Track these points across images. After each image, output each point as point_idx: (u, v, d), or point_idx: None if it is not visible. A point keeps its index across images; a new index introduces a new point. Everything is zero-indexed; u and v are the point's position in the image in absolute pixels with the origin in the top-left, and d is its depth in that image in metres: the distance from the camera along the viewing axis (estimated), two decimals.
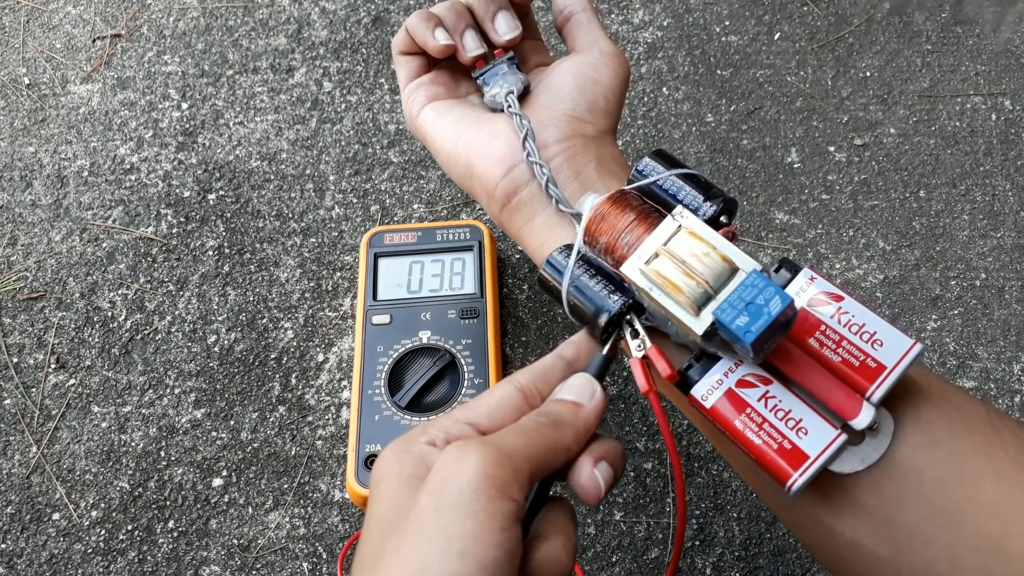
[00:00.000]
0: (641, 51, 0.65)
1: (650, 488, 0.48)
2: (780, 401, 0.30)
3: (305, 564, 0.46)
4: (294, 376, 0.52)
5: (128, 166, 0.61)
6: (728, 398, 0.30)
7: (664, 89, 0.63)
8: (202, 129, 0.63)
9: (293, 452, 0.49)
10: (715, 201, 0.33)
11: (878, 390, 0.28)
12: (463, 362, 0.49)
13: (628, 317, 0.33)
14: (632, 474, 0.48)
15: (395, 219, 0.59)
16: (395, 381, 0.49)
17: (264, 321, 0.54)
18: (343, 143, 0.62)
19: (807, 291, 0.31)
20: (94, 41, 0.68)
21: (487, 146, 0.38)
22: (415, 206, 0.59)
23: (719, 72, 0.64)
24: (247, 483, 0.48)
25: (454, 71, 0.42)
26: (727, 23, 0.67)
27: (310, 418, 0.50)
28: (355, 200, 0.59)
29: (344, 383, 0.52)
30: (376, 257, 0.54)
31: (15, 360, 0.53)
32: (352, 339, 0.53)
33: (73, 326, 0.54)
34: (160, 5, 0.70)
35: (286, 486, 0.48)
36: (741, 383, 0.30)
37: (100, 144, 0.62)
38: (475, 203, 0.59)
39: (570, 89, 0.38)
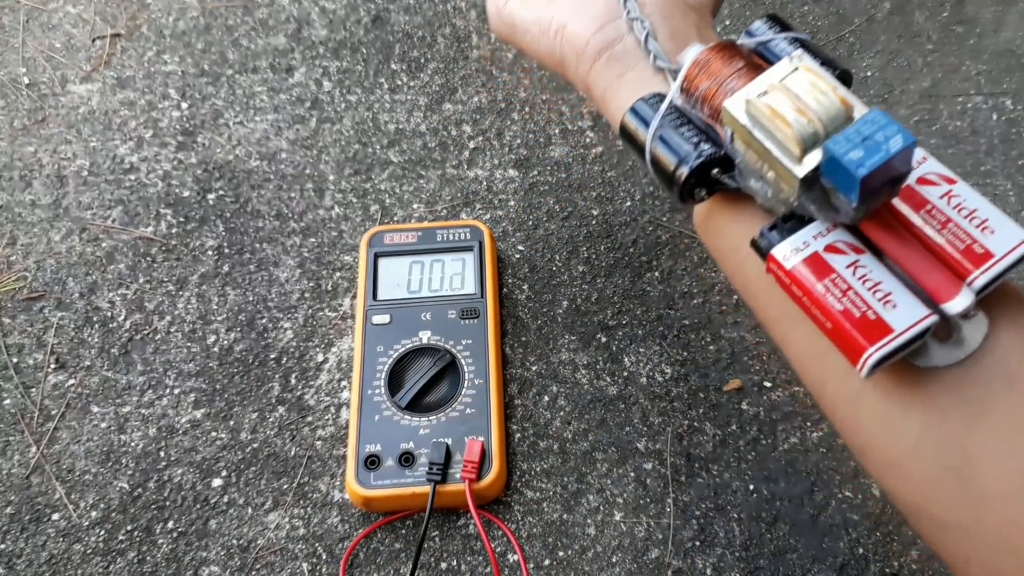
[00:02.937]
0: None
1: (650, 488, 0.48)
2: (870, 272, 0.27)
3: (305, 564, 0.46)
4: (293, 376, 0.52)
5: (128, 166, 0.61)
6: (812, 261, 0.27)
7: None
8: (202, 129, 0.63)
9: (293, 452, 0.49)
10: (832, 68, 0.30)
11: (982, 276, 0.25)
12: (463, 362, 0.49)
13: (714, 172, 0.30)
14: (632, 474, 0.48)
15: (395, 219, 0.58)
16: (395, 381, 0.49)
17: (264, 321, 0.54)
18: (343, 143, 0.62)
19: (916, 171, 0.28)
20: (93, 41, 0.68)
21: (581, 7, 0.37)
22: (415, 206, 0.59)
23: None
24: (247, 483, 0.48)
25: None
26: (727, 22, 0.67)
27: (310, 418, 0.50)
28: (355, 200, 0.59)
29: (344, 383, 0.51)
30: (376, 257, 0.54)
31: (15, 360, 0.53)
32: (352, 339, 0.53)
33: (72, 326, 0.54)
34: (159, 5, 0.70)
35: (286, 486, 0.48)
36: (830, 248, 0.27)
37: (100, 144, 0.62)
38: (475, 203, 0.59)
39: None
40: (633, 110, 0.32)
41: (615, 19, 0.36)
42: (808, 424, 0.50)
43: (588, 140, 0.62)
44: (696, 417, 0.50)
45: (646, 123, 0.32)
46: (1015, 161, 0.59)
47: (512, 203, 0.59)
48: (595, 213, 0.58)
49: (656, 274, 0.56)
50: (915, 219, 0.27)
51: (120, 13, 0.70)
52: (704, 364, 0.52)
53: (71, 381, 0.52)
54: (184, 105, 0.64)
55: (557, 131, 0.62)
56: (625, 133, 0.33)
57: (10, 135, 0.63)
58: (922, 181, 0.28)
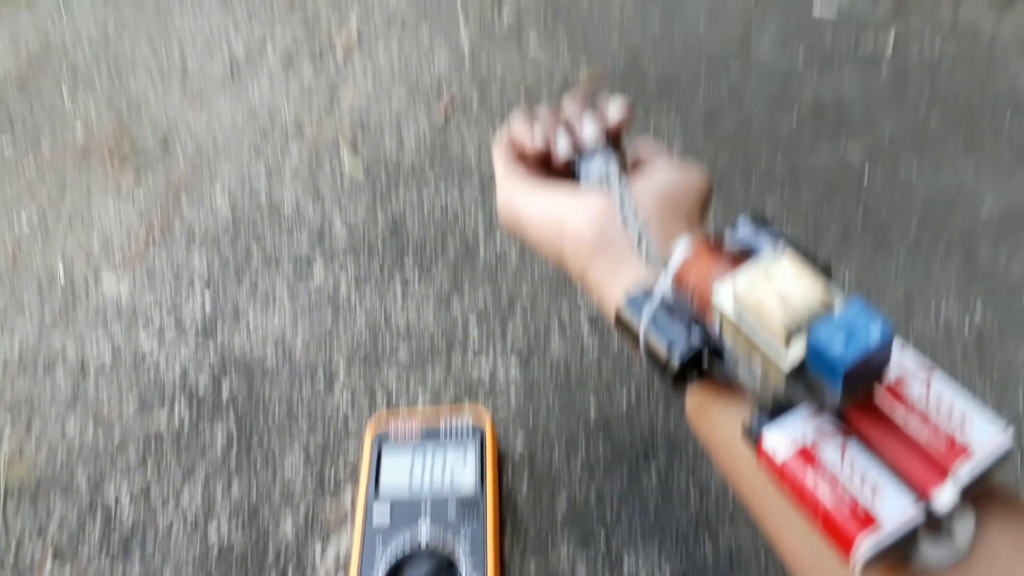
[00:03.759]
0: None
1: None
2: (858, 457, 0.28)
3: None
4: (291, 571, 0.51)
5: (148, 357, 0.64)
6: (802, 451, 0.28)
7: None
8: (223, 323, 0.67)
9: None
10: (812, 260, 0.32)
11: (964, 470, 0.26)
12: (462, 562, 0.49)
13: (706, 360, 0.32)
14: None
15: (401, 409, 0.60)
16: None
17: (266, 514, 0.54)
18: (355, 338, 0.66)
19: (895, 360, 0.29)
20: (129, 237, 0.74)
21: (582, 204, 0.41)
22: (420, 399, 0.61)
23: None
24: None
25: (547, 167, 0.46)
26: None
27: None
28: (362, 392, 0.62)
29: None
30: (380, 450, 0.55)
31: (13, 549, 0.53)
32: (351, 532, 0.53)
33: (75, 517, 0.54)
34: (193, 206, 0.77)
35: None
36: (819, 434, 0.28)
37: (125, 337, 0.66)
38: (478, 393, 0.61)
39: (663, 171, 0.42)
40: (628, 301, 0.35)
41: (611, 217, 0.41)
42: None
43: (586, 338, 0.65)
44: None
45: (640, 313, 0.34)
46: (990, 361, 0.62)
47: (513, 398, 0.61)
48: (593, 409, 0.61)
49: (653, 471, 0.57)
50: (897, 411, 0.28)
51: (155, 211, 0.76)
52: (702, 565, 0.52)
53: (67, 574, 0.51)
54: (208, 301, 0.69)
55: (557, 330, 0.66)
56: (620, 323, 0.35)
57: (39, 327, 0.67)
58: (902, 373, 0.29)
